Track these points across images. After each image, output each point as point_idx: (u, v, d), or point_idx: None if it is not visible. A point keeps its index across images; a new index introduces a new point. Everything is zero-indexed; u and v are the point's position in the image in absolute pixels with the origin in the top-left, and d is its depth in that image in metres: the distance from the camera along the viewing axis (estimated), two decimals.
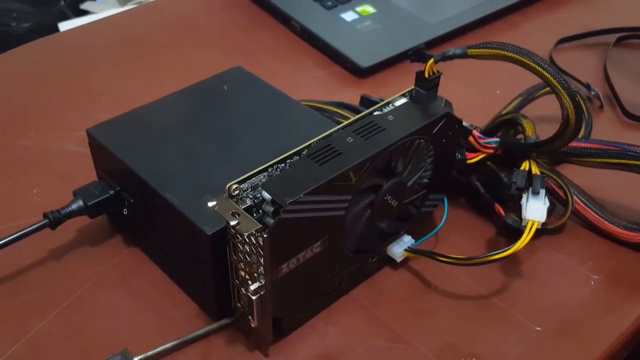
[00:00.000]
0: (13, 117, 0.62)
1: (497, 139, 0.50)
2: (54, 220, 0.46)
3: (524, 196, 0.47)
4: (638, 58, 0.73)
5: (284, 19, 0.76)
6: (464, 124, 0.47)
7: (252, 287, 0.38)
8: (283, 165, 0.41)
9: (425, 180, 0.47)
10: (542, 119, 0.54)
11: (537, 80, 0.43)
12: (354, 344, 0.44)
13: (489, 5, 0.77)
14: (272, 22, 0.77)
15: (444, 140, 0.46)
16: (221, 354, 0.43)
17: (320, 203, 0.39)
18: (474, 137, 0.49)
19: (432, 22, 0.74)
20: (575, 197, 0.50)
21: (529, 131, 0.50)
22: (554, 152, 0.49)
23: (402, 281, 0.48)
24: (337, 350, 0.43)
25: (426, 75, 0.44)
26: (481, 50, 0.42)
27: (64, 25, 1.11)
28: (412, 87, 0.45)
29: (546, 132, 0.47)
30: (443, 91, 0.46)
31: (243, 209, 0.37)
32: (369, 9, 0.75)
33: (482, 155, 0.49)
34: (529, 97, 0.57)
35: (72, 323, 0.44)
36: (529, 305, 0.46)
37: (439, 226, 0.48)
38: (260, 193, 0.39)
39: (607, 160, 0.48)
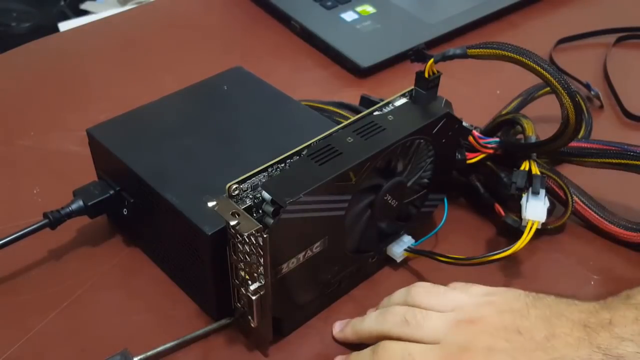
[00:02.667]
0: (13, 117, 0.62)
1: (497, 139, 0.50)
2: (54, 220, 0.46)
3: (524, 196, 0.47)
4: (638, 58, 0.73)
5: (284, 19, 0.76)
6: (464, 124, 0.47)
7: (252, 287, 0.38)
8: (283, 165, 0.41)
9: (425, 180, 0.47)
10: (542, 119, 0.54)
11: (537, 80, 0.43)
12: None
13: (489, 5, 0.77)
14: (272, 22, 0.77)
15: (444, 140, 0.46)
16: (221, 354, 0.43)
17: (320, 203, 0.39)
18: (474, 137, 0.49)
19: (432, 22, 0.74)
20: (575, 197, 0.50)
21: (529, 131, 0.50)
22: (554, 152, 0.49)
23: (402, 281, 0.48)
24: (337, 350, 0.43)
25: (426, 75, 0.44)
26: (481, 50, 0.42)
27: (64, 25, 1.11)
28: (412, 87, 0.45)
29: (546, 132, 0.47)
30: (443, 91, 0.46)
31: (243, 209, 0.37)
32: (369, 9, 0.75)
33: (482, 155, 0.49)
34: (529, 97, 0.57)
35: (72, 323, 0.44)
36: None
37: (439, 226, 0.48)
38: (260, 193, 0.39)
39: (607, 160, 0.48)
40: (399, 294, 0.43)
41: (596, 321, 0.36)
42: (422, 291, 0.42)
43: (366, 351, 0.40)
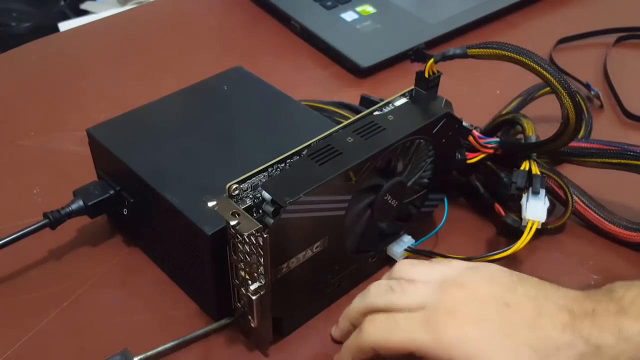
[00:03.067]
0: (13, 117, 0.62)
1: (497, 139, 0.50)
2: (54, 220, 0.46)
3: (524, 196, 0.47)
4: (638, 58, 0.73)
5: (284, 19, 0.76)
6: (464, 124, 0.47)
7: (252, 287, 0.38)
8: (283, 165, 0.41)
9: (425, 180, 0.47)
10: (542, 119, 0.54)
11: (537, 80, 0.43)
12: None
13: (489, 5, 0.77)
14: (272, 22, 0.77)
15: (444, 140, 0.46)
16: (221, 354, 0.43)
17: (320, 203, 0.39)
18: (474, 137, 0.49)
19: (432, 22, 0.74)
20: (575, 197, 0.50)
21: (529, 131, 0.50)
22: (554, 152, 0.49)
23: None
24: (337, 350, 0.43)
25: (426, 75, 0.44)
26: (481, 50, 0.42)
27: (64, 25, 1.11)
28: (412, 87, 0.45)
29: (546, 132, 0.47)
30: (443, 91, 0.46)
31: (243, 209, 0.37)
32: (369, 9, 0.75)
33: (482, 155, 0.49)
34: (529, 97, 0.57)
35: (72, 323, 0.44)
36: None
37: (439, 226, 0.48)
38: (260, 193, 0.39)
39: (607, 160, 0.48)
40: (384, 276, 0.43)
41: (580, 309, 0.36)
42: (406, 265, 0.41)
43: (354, 333, 0.40)
